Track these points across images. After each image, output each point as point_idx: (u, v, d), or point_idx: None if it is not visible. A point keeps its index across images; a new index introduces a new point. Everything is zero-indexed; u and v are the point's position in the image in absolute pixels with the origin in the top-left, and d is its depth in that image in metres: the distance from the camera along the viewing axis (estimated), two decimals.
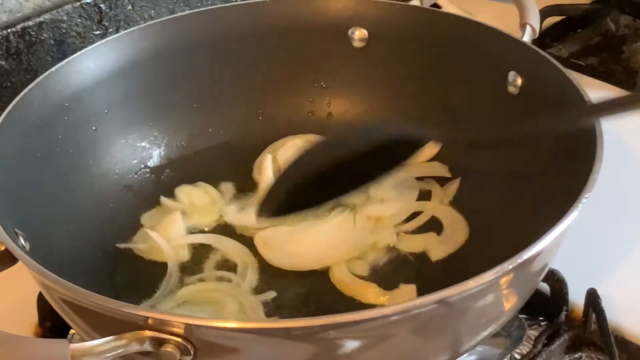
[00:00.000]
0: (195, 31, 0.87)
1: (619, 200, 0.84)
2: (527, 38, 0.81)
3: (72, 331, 0.72)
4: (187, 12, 0.88)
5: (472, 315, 0.55)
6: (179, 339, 0.49)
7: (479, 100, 0.83)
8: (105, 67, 0.82)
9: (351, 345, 0.52)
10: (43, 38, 0.91)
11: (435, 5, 1.13)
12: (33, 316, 0.75)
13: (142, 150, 0.86)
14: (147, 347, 0.50)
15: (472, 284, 0.50)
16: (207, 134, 0.90)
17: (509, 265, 0.52)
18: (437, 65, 0.86)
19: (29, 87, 0.74)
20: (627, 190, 0.87)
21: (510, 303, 0.59)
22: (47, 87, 0.76)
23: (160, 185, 0.86)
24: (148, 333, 0.49)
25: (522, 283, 0.59)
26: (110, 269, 0.76)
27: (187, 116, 0.89)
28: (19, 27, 0.89)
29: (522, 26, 0.82)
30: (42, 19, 0.90)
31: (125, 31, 0.84)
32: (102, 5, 0.95)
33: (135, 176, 0.85)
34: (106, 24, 0.96)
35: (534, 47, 0.78)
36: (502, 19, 0.84)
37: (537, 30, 0.82)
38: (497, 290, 0.55)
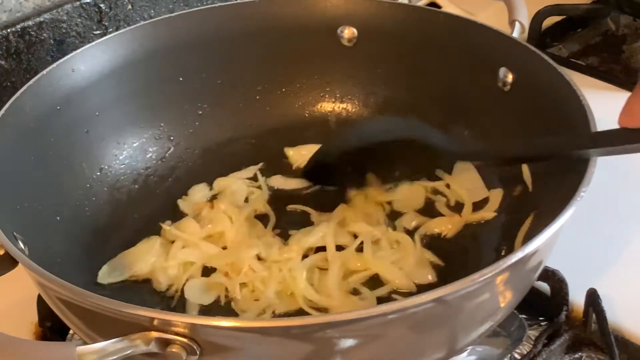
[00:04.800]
0: (184, 32, 0.87)
1: (619, 200, 0.84)
2: (516, 34, 0.81)
3: (71, 331, 0.72)
4: (175, 13, 0.88)
5: (469, 312, 0.56)
6: (185, 339, 0.49)
7: (471, 96, 0.83)
8: (96, 69, 0.81)
9: (349, 342, 0.52)
10: (43, 38, 0.91)
11: (434, 4, 1.13)
12: (33, 316, 0.75)
13: (134, 152, 0.86)
14: (153, 348, 0.50)
15: (468, 282, 0.51)
16: (197, 135, 0.90)
17: (504, 263, 0.52)
18: (427, 63, 0.87)
19: (21, 90, 0.74)
20: (626, 190, 0.87)
21: (507, 300, 0.59)
22: (39, 90, 0.76)
23: (154, 187, 0.86)
24: (154, 334, 0.49)
25: (518, 281, 0.60)
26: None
27: (178, 117, 0.89)
28: (18, 26, 0.89)
29: (511, 23, 0.83)
30: (41, 19, 0.90)
31: (116, 33, 0.84)
32: (102, 5, 0.95)
33: (129, 178, 0.85)
34: (106, 23, 0.96)
35: (524, 42, 0.78)
36: (502, 19, 0.84)
37: (526, 26, 0.83)
38: (493, 288, 0.55)
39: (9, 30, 0.88)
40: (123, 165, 0.85)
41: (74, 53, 0.80)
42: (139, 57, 0.84)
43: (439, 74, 0.86)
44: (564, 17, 1.15)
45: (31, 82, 0.75)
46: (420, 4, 1.14)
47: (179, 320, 0.49)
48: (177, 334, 0.49)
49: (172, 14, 0.88)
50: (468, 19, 0.84)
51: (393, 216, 0.80)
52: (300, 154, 0.89)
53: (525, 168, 0.75)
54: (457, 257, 0.75)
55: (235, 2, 0.91)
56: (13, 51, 0.89)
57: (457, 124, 0.85)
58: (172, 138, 0.89)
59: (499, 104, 0.79)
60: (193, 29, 0.87)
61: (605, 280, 0.75)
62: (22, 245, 0.62)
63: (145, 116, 0.87)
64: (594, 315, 0.70)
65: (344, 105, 0.93)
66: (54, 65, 0.78)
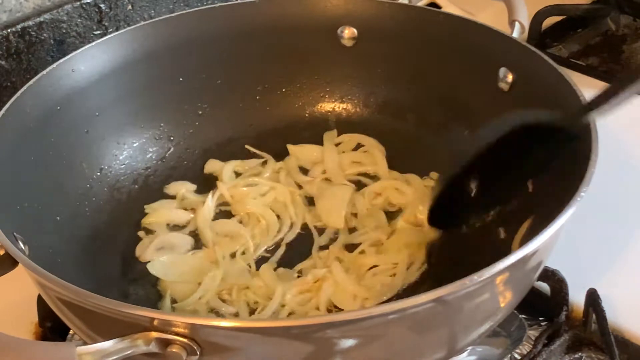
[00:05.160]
0: (184, 32, 0.87)
1: (619, 200, 0.84)
2: (516, 34, 0.81)
3: (71, 331, 0.72)
4: (175, 13, 0.88)
5: (469, 313, 0.56)
6: (185, 339, 0.49)
7: (471, 96, 0.83)
8: (96, 69, 0.82)
9: (349, 342, 0.52)
10: (43, 38, 0.91)
11: (434, 4, 1.13)
12: (33, 316, 0.75)
13: (134, 152, 0.86)
14: (153, 348, 0.50)
15: (468, 282, 0.51)
16: (197, 135, 0.90)
17: (504, 263, 0.52)
18: (427, 63, 0.87)
19: (21, 90, 0.74)
20: (625, 190, 0.87)
21: (507, 300, 0.59)
22: (39, 90, 0.76)
23: (154, 187, 0.86)
24: (154, 334, 0.49)
25: (518, 281, 0.60)
26: (108, 271, 0.76)
27: (178, 117, 0.89)
28: (19, 27, 0.89)
29: (511, 23, 0.83)
30: (42, 19, 0.90)
31: (116, 33, 0.84)
32: (102, 5, 0.95)
33: (129, 178, 0.85)
34: (106, 24, 0.96)
35: (523, 43, 0.78)
36: (502, 19, 0.84)
37: (526, 26, 0.83)
38: (493, 289, 0.55)
39: (9, 30, 0.88)
40: (123, 165, 0.85)
41: (74, 53, 0.80)
42: (139, 57, 0.85)
43: (439, 74, 0.86)
44: (564, 17, 1.15)
45: (31, 82, 0.75)
46: (420, 4, 1.14)
47: (179, 320, 0.49)
48: (177, 334, 0.49)
49: (172, 14, 0.88)
50: (468, 19, 0.84)
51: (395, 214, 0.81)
52: (303, 152, 0.89)
53: None
54: (456, 258, 0.75)
55: (235, 2, 0.91)
56: (13, 51, 0.89)
57: (457, 124, 0.85)
58: (172, 138, 0.89)
59: (499, 104, 0.79)
60: (193, 29, 0.87)
61: (605, 280, 0.75)
62: (22, 245, 0.62)
63: (145, 116, 0.87)
64: (594, 315, 0.70)
65: (344, 105, 0.93)
66: (54, 65, 0.78)
